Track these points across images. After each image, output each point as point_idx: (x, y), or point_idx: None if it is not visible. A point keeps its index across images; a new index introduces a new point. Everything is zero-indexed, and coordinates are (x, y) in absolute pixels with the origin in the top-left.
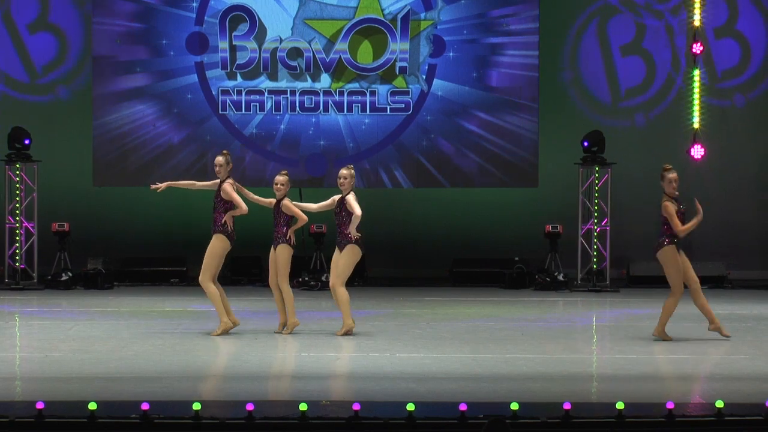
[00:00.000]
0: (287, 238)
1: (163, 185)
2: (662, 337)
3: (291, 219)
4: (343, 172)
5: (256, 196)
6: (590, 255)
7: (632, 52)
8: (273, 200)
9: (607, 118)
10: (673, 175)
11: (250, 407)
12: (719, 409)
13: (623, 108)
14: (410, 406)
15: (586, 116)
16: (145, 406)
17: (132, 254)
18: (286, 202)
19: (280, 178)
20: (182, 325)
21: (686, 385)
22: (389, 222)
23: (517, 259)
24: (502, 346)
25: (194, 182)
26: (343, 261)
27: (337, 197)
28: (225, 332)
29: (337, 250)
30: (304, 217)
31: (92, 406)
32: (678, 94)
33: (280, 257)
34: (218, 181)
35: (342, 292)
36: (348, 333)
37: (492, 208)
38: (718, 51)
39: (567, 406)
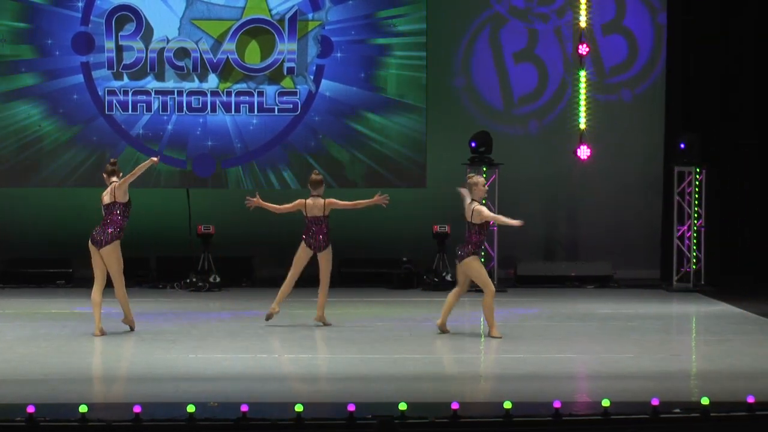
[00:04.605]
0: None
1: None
2: None
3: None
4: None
5: None
6: None
7: (525, 59)
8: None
9: (496, 121)
10: None
11: (137, 409)
12: (605, 407)
13: (516, 114)
14: (298, 407)
15: (473, 117)
16: (30, 409)
17: (17, 256)
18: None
19: None
20: (68, 327)
21: (573, 384)
22: (277, 222)
23: (405, 259)
24: (390, 346)
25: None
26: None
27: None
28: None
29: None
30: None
31: None
32: (568, 96)
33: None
34: (108, 188)
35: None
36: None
37: (380, 208)
38: (606, 48)
39: (455, 405)
